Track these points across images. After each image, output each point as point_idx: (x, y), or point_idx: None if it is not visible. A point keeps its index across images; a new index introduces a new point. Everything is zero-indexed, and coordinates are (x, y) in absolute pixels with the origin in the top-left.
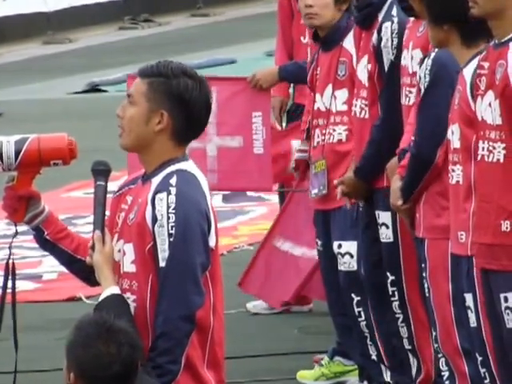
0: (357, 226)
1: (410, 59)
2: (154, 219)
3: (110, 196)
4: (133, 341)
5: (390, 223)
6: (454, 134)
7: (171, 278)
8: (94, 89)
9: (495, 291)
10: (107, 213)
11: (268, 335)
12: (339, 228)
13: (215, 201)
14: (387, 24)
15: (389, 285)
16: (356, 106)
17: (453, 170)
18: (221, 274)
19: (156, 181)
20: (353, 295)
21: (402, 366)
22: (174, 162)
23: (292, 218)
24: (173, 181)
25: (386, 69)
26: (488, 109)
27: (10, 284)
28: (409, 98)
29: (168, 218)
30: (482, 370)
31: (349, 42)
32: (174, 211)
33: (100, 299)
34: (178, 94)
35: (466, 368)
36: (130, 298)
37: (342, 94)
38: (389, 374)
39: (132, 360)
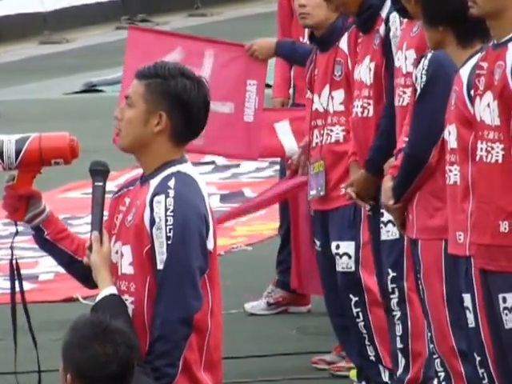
0: (355, 227)
1: (404, 60)
2: (152, 222)
3: (108, 196)
4: (129, 341)
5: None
6: (450, 135)
7: (169, 281)
8: (92, 89)
9: (494, 292)
10: (105, 214)
11: (266, 336)
12: (337, 228)
13: (213, 201)
14: (395, 14)
15: (389, 282)
16: (357, 106)
17: (450, 171)
18: (219, 277)
19: (154, 183)
20: (351, 296)
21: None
22: (172, 164)
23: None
24: (171, 183)
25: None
26: (486, 109)
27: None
28: (403, 98)
29: (166, 220)
30: (481, 371)
31: (344, 43)
32: (172, 214)
33: (97, 300)
34: (176, 95)
35: (462, 368)
36: (128, 300)
37: (339, 94)
38: (387, 374)
39: (129, 360)
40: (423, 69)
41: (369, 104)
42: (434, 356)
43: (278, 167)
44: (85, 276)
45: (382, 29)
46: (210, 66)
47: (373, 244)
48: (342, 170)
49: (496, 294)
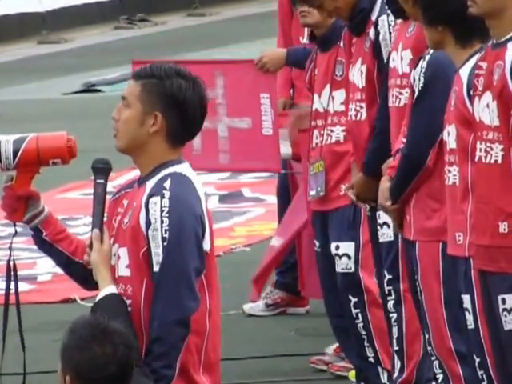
0: (354, 228)
1: (400, 60)
2: (148, 223)
3: (108, 197)
4: (128, 341)
5: (391, 222)
6: (450, 135)
7: (165, 283)
8: (90, 89)
9: (493, 293)
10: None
11: (265, 337)
12: (337, 229)
13: (211, 201)
14: (383, 17)
15: (385, 284)
16: (351, 109)
17: (449, 171)
18: (217, 278)
19: (150, 184)
20: (350, 297)
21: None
22: (168, 165)
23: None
24: (167, 184)
25: (386, 60)
26: (486, 110)
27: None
28: (399, 99)
29: (162, 221)
30: (480, 372)
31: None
32: (167, 215)
33: (97, 299)
34: (172, 95)
35: (460, 371)
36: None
37: (340, 94)
38: (386, 375)
39: (128, 360)
40: (421, 70)
41: (361, 107)
42: (432, 358)
43: None
44: (83, 277)
45: (371, 32)
46: (221, 84)
47: (372, 245)
48: (342, 170)
49: (495, 296)
